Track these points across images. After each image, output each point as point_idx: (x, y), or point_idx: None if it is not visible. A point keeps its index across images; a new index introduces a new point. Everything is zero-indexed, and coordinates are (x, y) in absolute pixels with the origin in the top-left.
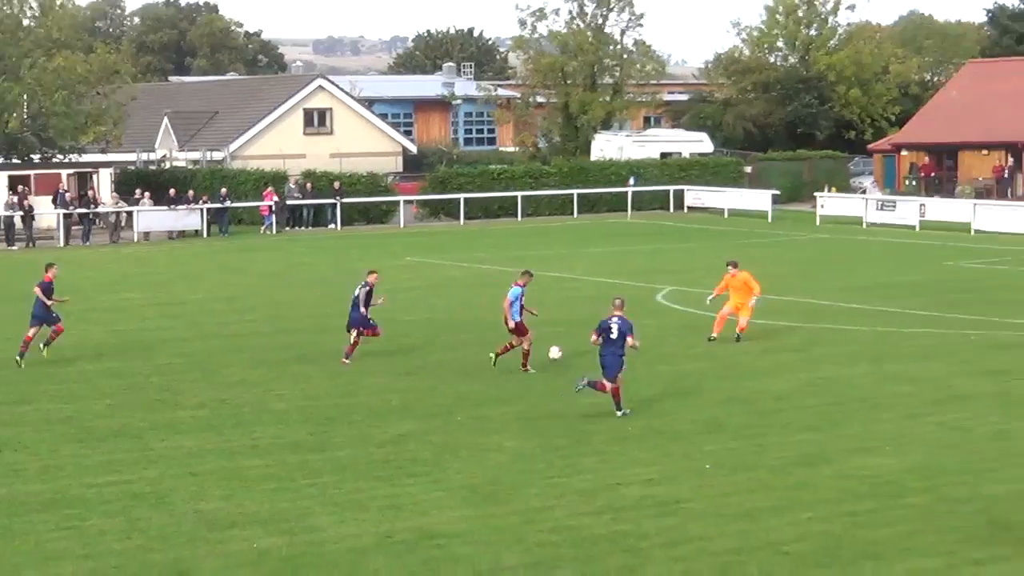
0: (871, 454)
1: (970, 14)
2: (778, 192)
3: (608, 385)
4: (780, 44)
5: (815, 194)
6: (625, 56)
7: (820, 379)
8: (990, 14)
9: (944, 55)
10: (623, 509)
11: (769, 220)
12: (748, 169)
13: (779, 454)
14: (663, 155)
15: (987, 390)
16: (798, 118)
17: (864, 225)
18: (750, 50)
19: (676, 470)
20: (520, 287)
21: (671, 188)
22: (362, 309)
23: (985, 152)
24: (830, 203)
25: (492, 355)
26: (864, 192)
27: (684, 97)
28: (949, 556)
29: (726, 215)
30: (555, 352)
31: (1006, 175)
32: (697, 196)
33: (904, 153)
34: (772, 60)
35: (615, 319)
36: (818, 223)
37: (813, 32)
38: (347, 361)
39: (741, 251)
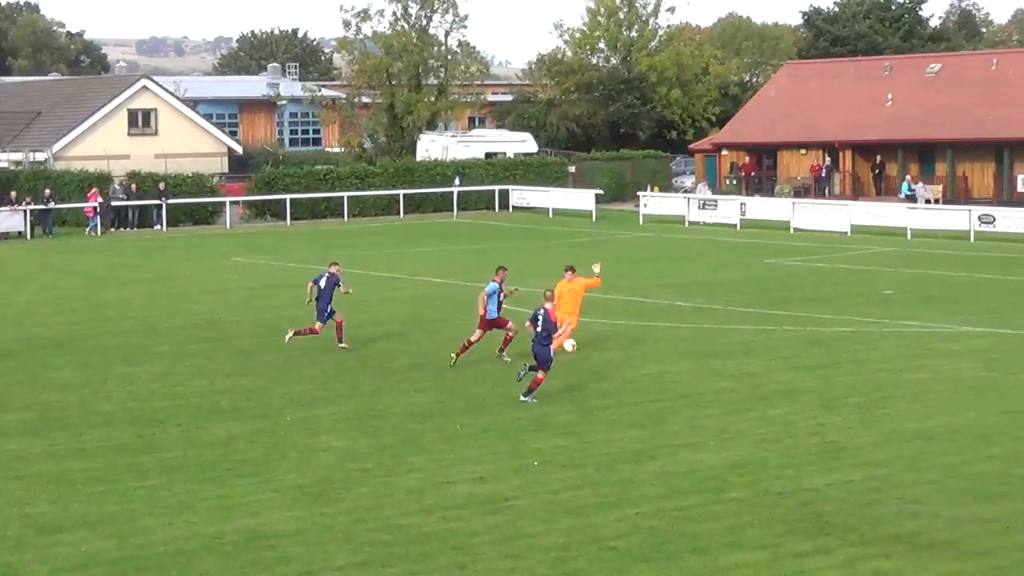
0: (695, 450)
1: (786, 16)
2: (602, 192)
3: (540, 376)
4: (602, 46)
5: (638, 193)
6: (449, 57)
7: (644, 376)
8: (806, 16)
9: (762, 56)
10: (452, 507)
11: (593, 219)
12: (572, 169)
13: (605, 451)
14: (488, 155)
15: (807, 385)
16: (620, 118)
17: (686, 224)
18: (572, 51)
19: (504, 468)
20: (497, 283)
21: (496, 188)
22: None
23: (803, 151)
24: (653, 202)
25: (452, 356)
26: (693, 191)
27: (508, 98)
28: (773, 549)
29: (551, 215)
30: (569, 345)
31: (823, 174)
32: (522, 196)
33: (725, 153)
34: (594, 61)
35: (541, 310)
36: (641, 222)
37: (634, 34)
38: (343, 344)
39: (566, 250)
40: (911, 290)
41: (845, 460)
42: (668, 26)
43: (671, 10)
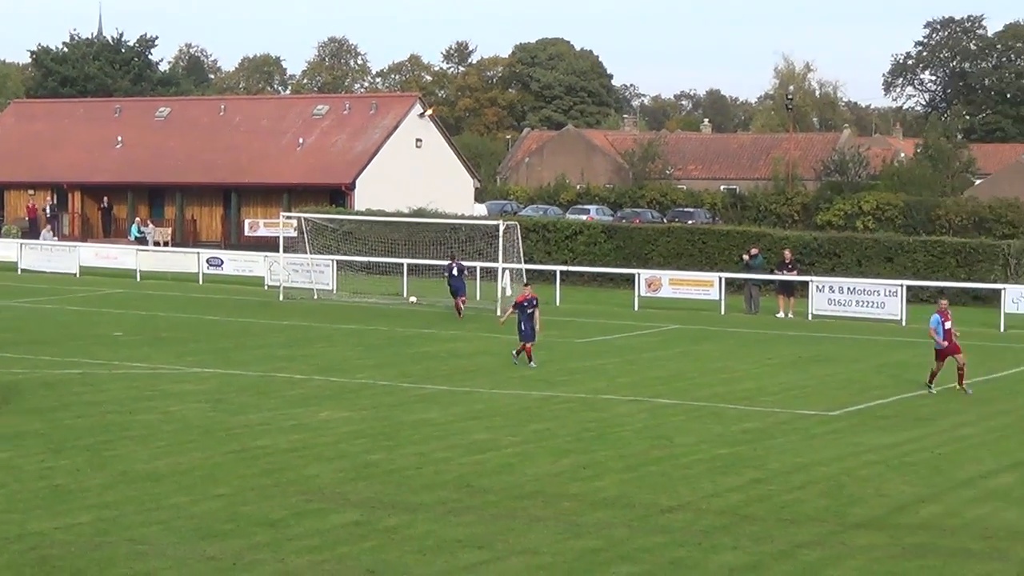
0: None
1: (15, 54)
2: None
3: None
4: None
5: None
6: None
7: None
8: (34, 55)
9: None
10: None
11: None
12: None
13: None
14: None
15: (34, 428)
16: None
17: None
18: None
19: None
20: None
21: None
22: None
23: (31, 192)
24: None
25: None
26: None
27: None
28: None
29: None
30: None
31: (48, 213)
32: None
33: None
34: None
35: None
36: None
37: None
38: None
39: None
40: (141, 332)
41: (73, 503)
42: None
43: None
